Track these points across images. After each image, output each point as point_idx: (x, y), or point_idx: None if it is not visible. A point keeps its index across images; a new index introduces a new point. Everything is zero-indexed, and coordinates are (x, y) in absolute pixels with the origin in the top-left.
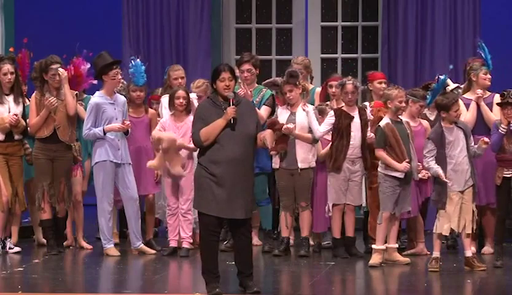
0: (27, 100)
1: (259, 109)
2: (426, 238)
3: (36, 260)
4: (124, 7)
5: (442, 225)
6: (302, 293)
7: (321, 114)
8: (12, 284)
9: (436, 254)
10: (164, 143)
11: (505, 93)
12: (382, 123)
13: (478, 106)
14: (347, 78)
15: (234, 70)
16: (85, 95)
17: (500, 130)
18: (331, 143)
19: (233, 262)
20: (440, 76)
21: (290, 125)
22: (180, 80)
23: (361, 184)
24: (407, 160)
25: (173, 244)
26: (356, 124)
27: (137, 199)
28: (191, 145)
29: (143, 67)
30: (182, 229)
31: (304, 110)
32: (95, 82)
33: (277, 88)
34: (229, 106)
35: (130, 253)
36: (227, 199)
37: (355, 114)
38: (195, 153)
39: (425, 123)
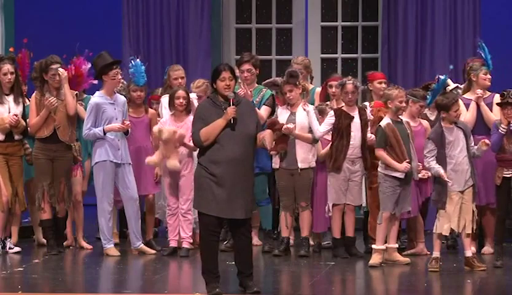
0: (27, 100)
1: (259, 109)
2: (426, 238)
3: (36, 260)
4: (124, 7)
5: (442, 225)
6: (302, 293)
7: (321, 114)
8: (12, 284)
9: (436, 254)
10: (165, 134)
11: (505, 93)
12: (382, 123)
13: (478, 106)
14: (347, 78)
15: (234, 70)
16: (85, 95)
17: (499, 130)
18: (331, 143)
19: (233, 262)
20: (440, 76)
21: (290, 125)
22: (180, 80)
23: (361, 184)
24: (407, 161)
25: (173, 244)
26: (356, 124)
27: (137, 199)
28: (191, 143)
29: (143, 67)
30: (182, 229)
31: (304, 109)
32: (95, 82)
33: (277, 88)
34: (230, 105)
35: (130, 253)
36: (227, 199)
37: (355, 114)
38: (195, 153)
39: (425, 123)
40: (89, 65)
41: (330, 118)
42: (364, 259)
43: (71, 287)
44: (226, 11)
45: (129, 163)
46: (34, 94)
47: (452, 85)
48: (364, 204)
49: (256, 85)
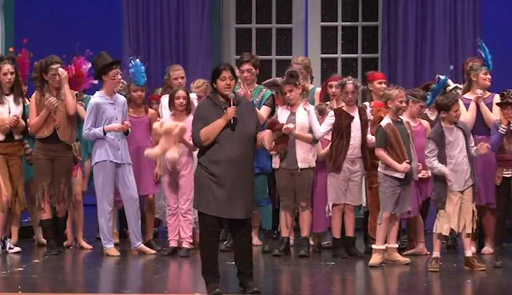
0: (27, 100)
1: (259, 109)
2: (426, 238)
3: (36, 260)
4: (124, 7)
5: (442, 225)
6: (302, 293)
7: (321, 114)
8: (12, 284)
9: (436, 254)
10: (165, 125)
11: (505, 93)
12: (383, 123)
13: (478, 106)
14: (347, 78)
15: (234, 69)
16: (85, 95)
17: (499, 130)
18: (331, 143)
19: (233, 262)
20: (440, 76)
21: (290, 125)
22: (180, 80)
23: (361, 184)
24: (407, 161)
25: (173, 244)
26: (356, 124)
27: (137, 199)
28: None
29: (143, 67)
30: (181, 229)
31: (305, 109)
32: (95, 82)
33: (277, 88)
34: (230, 105)
35: (130, 253)
36: (227, 199)
37: (355, 114)
38: (195, 153)
39: (425, 123)
40: (90, 65)
41: (330, 118)
42: (364, 259)
43: (71, 287)
44: (226, 11)
45: (129, 163)
46: (34, 94)
47: (452, 85)
48: (364, 204)
49: (256, 85)
